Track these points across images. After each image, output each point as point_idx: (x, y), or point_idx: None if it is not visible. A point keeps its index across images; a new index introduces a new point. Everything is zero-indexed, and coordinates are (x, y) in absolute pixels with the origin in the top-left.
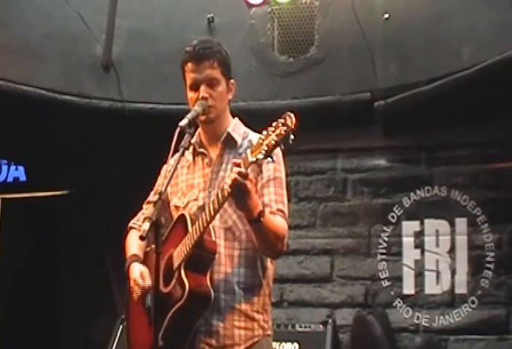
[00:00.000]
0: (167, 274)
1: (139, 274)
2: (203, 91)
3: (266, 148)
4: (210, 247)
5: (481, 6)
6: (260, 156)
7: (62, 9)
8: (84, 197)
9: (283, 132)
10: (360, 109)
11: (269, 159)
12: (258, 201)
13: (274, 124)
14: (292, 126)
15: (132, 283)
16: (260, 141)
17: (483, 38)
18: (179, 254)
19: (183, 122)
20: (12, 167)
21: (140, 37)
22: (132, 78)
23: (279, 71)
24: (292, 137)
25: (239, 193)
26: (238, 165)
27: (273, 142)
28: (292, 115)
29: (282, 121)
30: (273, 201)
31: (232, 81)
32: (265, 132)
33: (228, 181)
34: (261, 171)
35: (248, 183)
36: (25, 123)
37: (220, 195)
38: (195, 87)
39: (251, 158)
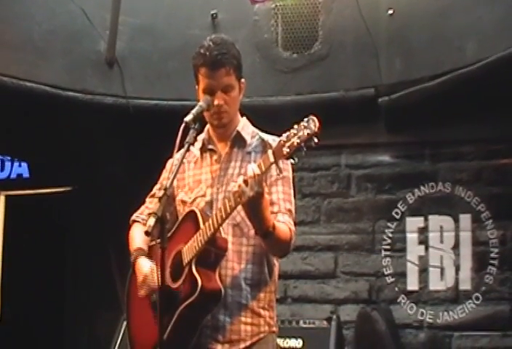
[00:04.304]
0: (176, 269)
1: (150, 271)
2: (218, 98)
3: (288, 150)
4: (222, 244)
5: (485, 2)
6: (282, 158)
7: (66, 6)
8: (88, 193)
9: (306, 135)
10: (364, 105)
11: (291, 161)
12: (270, 216)
13: (296, 127)
14: (316, 130)
15: (141, 278)
16: (282, 142)
17: (487, 34)
18: (189, 249)
19: (188, 117)
20: (16, 164)
21: (144, 33)
22: (136, 75)
23: (283, 67)
24: (315, 140)
25: (256, 200)
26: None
27: (296, 145)
28: (316, 118)
29: (305, 123)
30: (282, 199)
31: (242, 80)
32: (286, 134)
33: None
34: (280, 172)
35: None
36: (29, 119)
37: (237, 194)
38: (209, 92)
39: (272, 159)
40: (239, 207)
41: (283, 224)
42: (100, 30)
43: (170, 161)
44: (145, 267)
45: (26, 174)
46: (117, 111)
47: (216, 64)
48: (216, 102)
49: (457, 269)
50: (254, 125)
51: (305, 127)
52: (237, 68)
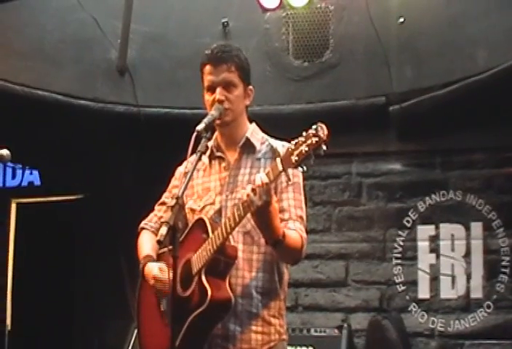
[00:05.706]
0: (185, 278)
1: (158, 270)
2: (219, 93)
3: (297, 158)
4: (231, 253)
5: (496, 10)
6: (291, 166)
7: (77, 14)
8: (99, 201)
9: (314, 143)
10: (375, 113)
11: (300, 169)
12: (280, 224)
13: (305, 134)
14: (324, 138)
15: (152, 281)
16: (290, 150)
17: (497, 42)
18: (198, 258)
19: (200, 127)
20: (27, 171)
21: (155, 41)
22: (147, 83)
23: (294, 75)
24: (324, 147)
25: (265, 209)
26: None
27: (304, 152)
28: (324, 126)
29: (313, 131)
30: (293, 206)
31: (250, 87)
32: (294, 142)
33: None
34: (289, 180)
35: (274, 202)
36: (40, 127)
37: (246, 203)
38: (211, 89)
39: (280, 168)
40: (249, 215)
41: (293, 231)
42: (111, 38)
43: (179, 169)
44: (154, 269)
45: (37, 182)
46: (128, 119)
47: (218, 60)
48: (217, 97)
49: (468, 277)
50: (264, 133)
51: (314, 135)
52: (240, 68)
